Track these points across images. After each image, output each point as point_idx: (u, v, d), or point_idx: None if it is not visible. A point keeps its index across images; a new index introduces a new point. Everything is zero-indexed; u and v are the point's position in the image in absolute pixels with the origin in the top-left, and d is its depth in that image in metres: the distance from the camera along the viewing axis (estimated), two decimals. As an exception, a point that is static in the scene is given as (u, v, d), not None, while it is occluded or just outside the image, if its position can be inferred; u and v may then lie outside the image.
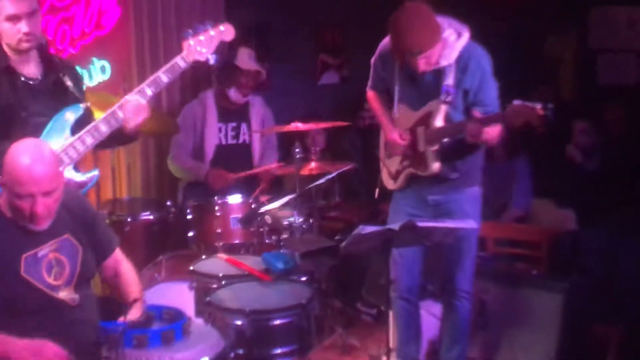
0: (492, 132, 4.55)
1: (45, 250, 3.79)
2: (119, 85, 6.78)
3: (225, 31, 4.78)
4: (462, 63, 4.66)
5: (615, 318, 5.58)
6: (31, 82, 4.51)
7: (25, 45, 4.43)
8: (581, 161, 7.09)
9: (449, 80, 4.66)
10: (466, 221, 4.58)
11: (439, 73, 4.69)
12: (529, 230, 6.43)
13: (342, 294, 6.46)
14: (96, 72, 6.50)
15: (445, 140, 4.74)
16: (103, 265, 4.14)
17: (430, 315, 5.56)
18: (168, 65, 4.67)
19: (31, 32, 4.41)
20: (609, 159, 6.99)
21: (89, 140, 4.45)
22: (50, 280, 3.78)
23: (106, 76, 6.61)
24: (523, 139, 7.21)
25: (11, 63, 4.48)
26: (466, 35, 4.68)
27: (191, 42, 4.67)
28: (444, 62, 4.64)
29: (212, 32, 4.73)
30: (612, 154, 7.02)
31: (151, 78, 4.66)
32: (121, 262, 4.24)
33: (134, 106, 4.49)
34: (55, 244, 3.83)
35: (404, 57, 4.69)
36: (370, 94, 5.24)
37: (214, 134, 6.74)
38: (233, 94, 6.70)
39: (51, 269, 3.80)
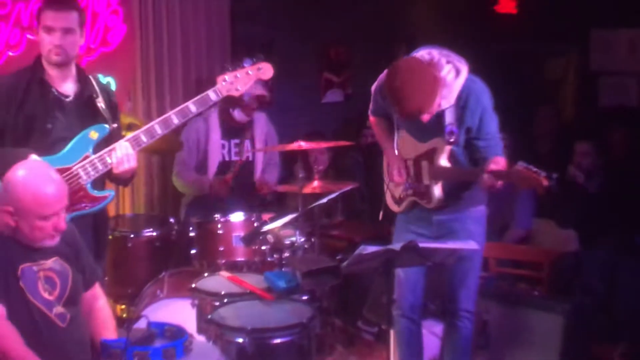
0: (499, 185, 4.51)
1: (38, 267, 3.83)
2: (124, 101, 6.82)
3: (263, 70, 4.84)
4: (462, 101, 4.64)
5: (615, 338, 5.60)
6: (63, 99, 4.60)
7: (54, 58, 4.53)
8: (583, 182, 7.08)
9: (450, 119, 4.65)
10: (467, 242, 4.55)
11: (441, 113, 4.66)
12: (531, 251, 6.44)
13: (343, 312, 6.47)
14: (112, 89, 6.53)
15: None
16: (82, 297, 4.10)
17: (432, 334, 5.56)
18: (199, 97, 4.70)
19: (62, 46, 4.51)
20: (611, 180, 6.99)
21: (101, 166, 4.53)
22: (46, 295, 3.81)
23: (111, 92, 6.64)
24: (525, 159, 7.23)
25: (46, 77, 4.57)
26: (464, 72, 4.61)
27: (227, 77, 4.72)
28: (444, 105, 4.60)
29: (250, 71, 4.78)
30: (614, 176, 7.02)
31: (164, 116, 4.70)
32: (99, 298, 4.22)
33: (119, 156, 4.52)
34: (47, 263, 3.87)
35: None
36: (372, 119, 5.26)
37: (217, 151, 6.76)
38: (237, 114, 6.73)
39: (44, 285, 3.82)
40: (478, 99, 4.66)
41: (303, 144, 5.89)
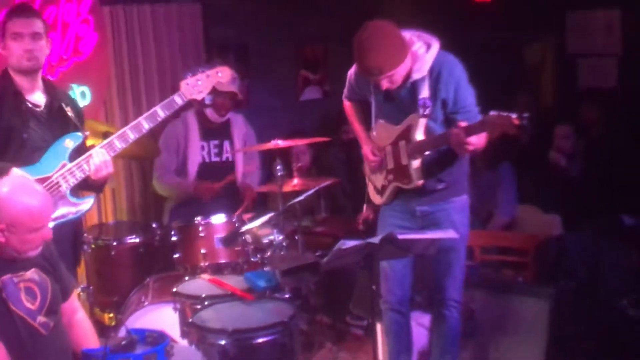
0: (478, 141, 4.47)
1: (18, 278, 3.82)
2: (100, 109, 6.82)
3: (222, 74, 4.94)
4: (435, 74, 4.63)
5: (600, 321, 5.61)
6: (35, 109, 4.64)
7: (26, 63, 4.58)
8: (565, 165, 7.09)
9: (425, 93, 4.64)
10: (446, 231, 4.55)
11: (414, 87, 4.67)
12: (515, 237, 6.46)
13: (331, 309, 6.46)
14: (76, 98, 6.50)
15: (428, 152, 4.72)
16: (61, 307, 4.09)
17: (420, 326, 5.56)
18: (165, 102, 4.80)
19: (32, 50, 4.57)
20: (590, 162, 7.01)
21: (79, 174, 4.55)
22: (28, 305, 3.80)
23: (86, 101, 6.63)
24: (505, 147, 7.24)
25: (18, 88, 4.60)
26: (436, 46, 4.65)
27: (188, 82, 4.83)
28: (416, 76, 4.61)
29: (209, 75, 4.88)
30: (593, 157, 7.04)
31: (135, 122, 4.75)
32: (77, 310, 4.22)
33: (97, 163, 4.55)
34: (27, 275, 3.86)
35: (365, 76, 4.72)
36: (346, 103, 5.27)
37: (197, 152, 6.76)
38: (210, 113, 6.75)
39: (25, 295, 3.82)
40: (451, 71, 4.65)
41: (280, 143, 5.88)
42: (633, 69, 8.18)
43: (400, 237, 4.26)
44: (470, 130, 4.37)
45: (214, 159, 6.83)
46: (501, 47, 8.77)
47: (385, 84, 4.60)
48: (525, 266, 6.03)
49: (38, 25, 4.61)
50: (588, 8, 8.59)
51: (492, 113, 4.23)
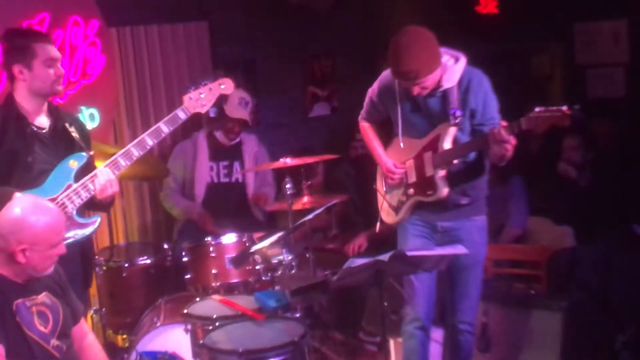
0: (514, 142, 4.43)
1: (31, 302, 3.84)
2: (109, 131, 6.84)
3: (225, 87, 4.94)
4: (464, 84, 4.66)
5: (614, 333, 5.58)
6: (40, 132, 4.63)
7: (58, 88, 4.64)
8: (575, 177, 7.07)
9: (454, 103, 4.66)
10: (457, 247, 4.53)
11: (444, 97, 4.69)
12: (527, 249, 6.43)
13: (344, 325, 6.45)
14: (85, 121, 6.53)
15: (455, 162, 4.71)
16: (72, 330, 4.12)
17: (433, 341, 5.53)
18: (169, 117, 4.78)
19: (62, 75, 4.63)
20: (600, 173, 6.98)
21: (85, 194, 4.55)
22: (42, 328, 3.83)
23: (95, 124, 6.65)
24: (515, 160, 7.22)
25: (22, 112, 4.59)
26: (463, 60, 4.70)
27: (191, 96, 4.83)
28: (446, 85, 4.63)
29: (212, 88, 4.88)
30: (602, 168, 7.01)
31: (139, 139, 4.74)
32: (87, 334, 4.25)
33: (102, 182, 4.56)
34: (38, 298, 3.89)
35: (400, 81, 4.72)
36: (364, 124, 5.25)
37: (205, 173, 6.79)
38: (220, 136, 6.77)
39: (38, 319, 3.85)
40: (480, 82, 4.69)
41: (288, 161, 5.88)
42: (641, 78, 8.19)
43: (409, 253, 4.26)
44: (516, 127, 4.34)
45: (223, 179, 6.84)
46: (509, 58, 8.76)
47: (417, 90, 4.60)
48: (537, 279, 6.00)
49: (58, 51, 4.67)
50: (595, 19, 8.57)
51: (538, 109, 4.22)
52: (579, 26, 8.76)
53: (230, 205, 6.73)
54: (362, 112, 5.23)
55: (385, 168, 5.05)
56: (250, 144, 6.97)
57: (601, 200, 6.73)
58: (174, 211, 6.86)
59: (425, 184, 4.83)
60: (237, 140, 6.90)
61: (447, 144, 4.70)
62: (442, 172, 4.75)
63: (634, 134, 7.40)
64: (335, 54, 8.60)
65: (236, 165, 6.87)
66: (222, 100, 6.30)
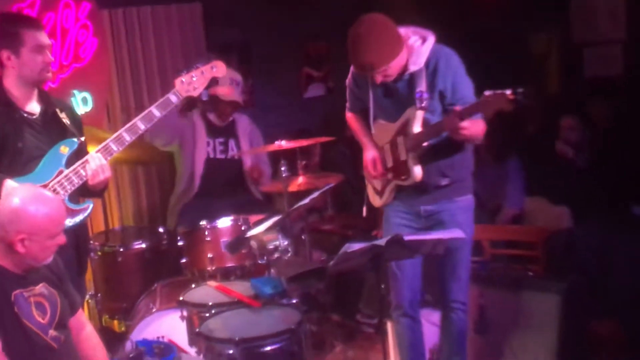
0: (474, 127, 4.41)
1: (29, 293, 3.83)
2: (102, 115, 6.79)
3: (217, 69, 4.90)
4: (432, 66, 4.61)
5: (612, 314, 5.58)
6: (30, 118, 4.59)
7: (47, 75, 4.59)
8: (572, 157, 7.05)
9: (422, 86, 4.60)
10: (454, 231, 4.51)
11: (411, 80, 4.65)
12: (524, 230, 6.42)
13: (341, 307, 6.44)
14: (78, 104, 6.49)
15: (425, 144, 4.66)
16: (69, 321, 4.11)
17: (430, 323, 5.52)
18: (160, 101, 4.75)
19: (50, 62, 4.58)
20: (598, 153, 6.96)
21: (76, 180, 4.53)
22: (39, 319, 3.81)
23: (88, 107, 6.61)
24: (512, 139, 7.21)
25: (11, 99, 4.55)
26: (431, 39, 4.64)
27: (183, 79, 4.79)
28: (413, 68, 4.59)
29: (204, 71, 4.85)
30: (600, 148, 6.99)
31: (130, 123, 4.71)
32: (84, 325, 4.23)
33: (94, 168, 4.54)
34: (36, 289, 3.88)
35: (360, 72, 4.70)
36: (349, 115, 5.24)
37: (203, 148, 6.75)
38: (212, 117, 6.75)
39: (36, 310, 3.83)
40: (447, 62, 4.62)
41: (284, 143, 5.85)
42: (638, 56, 8.12)
43: (406, 238, 4.23)
44: (464, 113, 4.31)
45: (219, 156, 6.81)
46: (506, 37, 8.70)
47: (378, 78, 4.58)
48: (534, 260, 5.99)
49: (48, 38, 4.62)
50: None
51: (487, 92, 4.16)
52: (575, 3, 8.70)
53: (227, 182, 6.69)
54: (347, 103, 5.22)
55: (364, 163, 5.03)
56: (243, 124, 6.95)
57: (598, 180, 6.71)
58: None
59: (400, 168, 4.81)
60: (230, 119, 6.86)
61: (416, 128, 4.66)
62: (415, 156, 4.71)
63: (632, 112, 7.36)
64: (330, 34, 8.55)
65: (231, 142, 6.84)
66: (213, 82, 6.29)
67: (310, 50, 8.70)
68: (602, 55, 8.55)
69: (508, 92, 4.06)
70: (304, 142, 6.10)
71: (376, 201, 5.13)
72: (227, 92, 6.60)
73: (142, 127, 4.68)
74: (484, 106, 4.20)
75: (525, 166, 7.01)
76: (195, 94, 4.85)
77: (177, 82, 4.79)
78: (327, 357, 6.07)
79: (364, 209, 5.22)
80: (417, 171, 4.72)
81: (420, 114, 4.64)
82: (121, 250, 5.99)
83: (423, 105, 4.58)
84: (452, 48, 4.72)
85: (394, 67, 4.56)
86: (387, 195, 4.99)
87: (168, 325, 5.11)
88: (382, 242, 4.20)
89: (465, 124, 4.31)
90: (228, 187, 6.72)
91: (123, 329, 6.02)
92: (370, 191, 5.18)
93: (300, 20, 8.35)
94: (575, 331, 5.40)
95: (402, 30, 4.64)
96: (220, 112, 6.73)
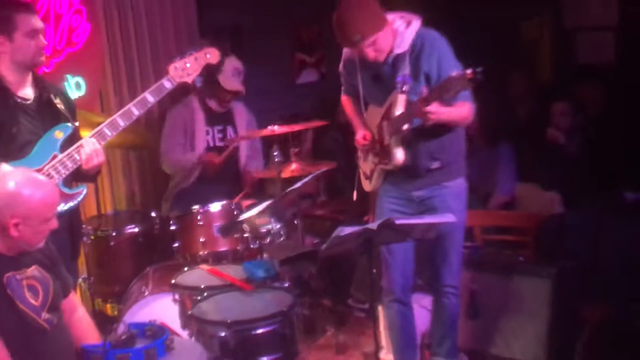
0: (446, 111, 4.40)
1: (21, 275, 3.83)
2: (95, 100, 6.79)
3: (211, 56, 4.94)
4: (417, 49, 4.62)
5: (602, 299, 5.60)
6: (24, 103, 4.61)
7: (41, 59, 4.63)
8: (563, 142, 7.06)
9: (405, 69, 4.62)
10: (445, 216, 4.53)
11: (395, 63, 4.66)
12: (515, 216, 6.44)
13: (333, 292, 6.46)
14: (71, 89, 6.48)
15: (405, 128, 4.62)
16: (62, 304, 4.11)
17: (421, 307, 5.55)
18: (154, 87, 4.79)
19: (44, 46, 4.61)
20: (589, 138, 6.98)
21: (70, 164, 4.55)
22: (32, 301, 3.82)
23: (81, 92, 6.60)
24: (503, 125, 7.22)
25: (5, 84, 4.56)
26: (416, 22, 4.66)
27: (177, 65, 4.83)
28: (397, 50, 4.61)
29: (197, 57, 4.88)
30: (592, 134, 7.01)
31: (125, 109, 4.75)
32: (76, 307, 4.24)
33: (88, 152, 4.56)
34: (28, 272, 3.88)
35: (352, 48, 4.71)
36: (344, 98, 5.26)
37: (202, 137, 6.75)
38: (213, 104, 6.74)
39: (28, 292, 3.83)
40: (432, 44, 4.63)
41: (276, 128, 5.86)
42: (630, 42, 8.14)
43: (398, 222, 4.25)
44: (429, 98, 4.31)
45: (218, 143, 6.81)
46: (498, 22, 8.72)
47: (371, 54, 4.59)
48: (525, 245, 6.01)
49: (41, 22, 4.65)
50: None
51: (453, 73, 4.14)
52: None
53: (224, 169, 6.68)
54: (342, 87, 5.24)
55: (356, 139, 5.06)
56: (240, 111, 6.94)
57: (589, 166, 6.74)
58: (177, 168, 6.80)
59: (384, 152, 4.83)
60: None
61: (398, 112, 4.66)
62: (396, 140, 4.72)
63: (623, 98, 7.37)
64: (322, 19, 8.53)
65: (229, 130, 6.83)
66: (215, 70, 6.31)
67: (303, 35, 8.72)
68: (594, 42, 8.56)
69: (468, 71, 4.07)
70: (296, 127, 6.11)
71: (366, 185, 5.16)
72: (232, 83, 6.61)
73: (136, 112, 4.72)
74: (446, 88, 4.17)
75: (517, 152, 7.02)
76: (189, 80, 4.89)
77: (171, 68, 4.82)
78: (318, 341, 6.09)
79: (354, 193, 5.24)
80: (399, 155, 4.73)
81: (402, 98, 4.63)
82: (114, 234, 5.98)
83: (404, 89, 4.56)
84: (444, 34, 4.73)
85: (381, 41, 4.58)
86: (376, 179, 5.02)
87: (160, 309, 5.11)
88: (373, 225, 4.22)
89: (431, 108, 4.31)
90: (224, 174, 6.71)
91: (115, 312, 6.03)
92: (361, 176, 5.19)
93: (292, 5, 8.35)
94: (566, 316, 5.42)
95: (389, 16, 4.67)
96: (221, 99, 6.72)
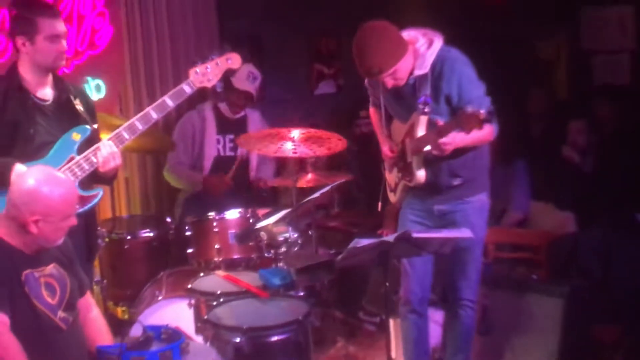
0: (454, 140, 4.41)
1: (39, 273, 3.85)
2: (115, 103, 6.82)
3: (232, 61, 4.93)
4: (437, 70, 4.61)
5: (614, 319, 5.60)
6: (42, 104, 4.62)
7: (61, 63, 4.64)
8: (578, 162, 7.07)
9: (426, 90, 4.61)
10: (462, 231, 4.53)
11: (417, 84, 4.65)
12: (529, 234, 6.44)
13: (344, 304, 6.45)
14: (91, 91, 6.51)
15: (427, 148, 4.62)
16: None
17: (433, 322, 5.55)
18: (174, 91, 4.79)
19: (65, 51, 4.62)
20: (604, 158, 6.98)
21: (87, 167, 4.55)
22: (49, 300, 3.83)
23: (101, 95, 6.65)
24: (519, 143, 7.23)
25: (24, 84, 4.58)
26: (438, 42, 4.64)
27: (197, 70, 4.82)
28: (418, 72, 4.60)
29: (219, 62, 4.87)
30: (606, 154, 7.01)
31: (143, 112, 4.75)
32: (92, 307, 4.26)
33: (105, 155, 4.56)
34: (47, 270, 3.90)
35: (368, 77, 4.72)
36: (371, 110, 5.25)
37: (213, 145, 6.77)
38: (224, 108, 6.76)
39: (45, 290, 3.85)
40: (452, 66, 4.61)
41: (296, 138, 5.84)
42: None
43: (415, 235, 4.25)
44: (442, 130, 4.34)
45: (229, 153, 6.82)
46: (515, 42, 8.73)
47: (389, 82, 4.59)
48: (538, 263, 6.02)
49: (64, 26, 4.63)
50: (602, 4, 8.54)
51: (467, 109, 4.15)
52: (585, 11, 8.71)
53: (235, 180, 6.70)
54: (370, 100, 5.24)
55: (382, 152, 5.07)
56: (255, 120, 6.96)
57: (604, 186, 6.73)
58: (178, 183, 6.84)
59: (407, 169, 4.84)
60: (242, 114, 6.88)
61: (420, 132, 4.65)
62: (418, 159, 4.73)
63: (638, 120, 7.38)
64: (341, 31, 8.59)
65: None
66: (230, 72, 6.31)
67: (322, 46, 8.73)
68: (610, 64, 8.58)
69: (482, 111, 4.08)
70: (317, 151, 6.05)
71: (391, 197, 5.17)
72: (243, 84, 6.62)
73: (155, 116, 4.72)
74: (460, 124, 4.19)
75: (531, 170, 7.03)
76: (209, 85, 4.88)
77: (192, 72, 4.81)
78: (328, 352, 6.08)
79: (379, 204, 5.25)
80: (420, 175, 4.75)
81: (424, 119, 4.62)
82: (128, 238, 5.99)
83: (426, 110, 4.56)
84: (464, 51, 4.72)
85: (401, 70, 4.57)
86: (399, 193, 5.03)
87: (173, 314, 5.11)
88: (390, 238, 4.22)
89: (446, 139, 4.34)
90: (237, 184, 6.72)
91: (126, 316, 6.03)
92: (388, 188, 5.21)
93: (312, 16, 8.38)
94: (577, 335, 5.44)
95: (412, 32, 4.67)
96: (231, 102, 6.73)
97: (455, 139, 4.37)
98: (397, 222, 5.16)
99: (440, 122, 4.39)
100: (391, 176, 5.11)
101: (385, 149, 5.03)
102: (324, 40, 8.72)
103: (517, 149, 7.12)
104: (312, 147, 5.84)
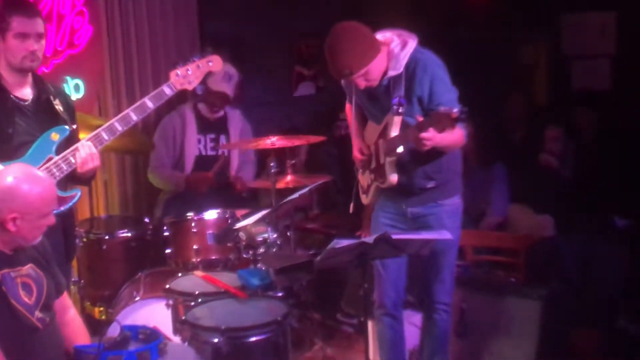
0: (441, 137, 4.35)
1: (16, 273, 3.83)
2: (94, 103, 6.80)
3: (213, 64, 4.93)
4: (410, 71, 4.60)
5: (592, 323, 5.63)
6: (22, 103, 4.59)
7: (29, 64, 4.54)
8: (557, 166, 7.09)
9: (400, 91, 4.60)
10: (442, 233, 4.53)
11: (390, 85, 4.64)
12: (507, 237, 6.44)
13: (322, 306, 6.46)
14: (70, 91, 6.48)
15: (400, 150, 4.63)
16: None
17: (411, 324, 5.56)
18: (154, 93, 4.78)
19: (36, 51, 4.53)
20: (582, 163, 7.01)
21: (66, 167, 4.53)
22: (26, 299, 3.81)
23: (80, 94, 6.61)
24: (498, 147, 7.25)
25: (3, 83, 4.54)
26: (412, 43, 4.63)
27: (178, 72, 4.82)
28: (391, 73, 4.59)
29: (200, 65, 4.87)
30: (585, 159, 7.04)
31: (123, 113, 4.73)
32: (69, 308, 4.23)
33: (83, 156, 4.55)
34: (24, 270, 3.87)
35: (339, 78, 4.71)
36: (347, 107, 5.24)
37: (194, 145, 6.76)
38: (202, 109, 6.75)
39: (22, 290, 3.82)
40: (425, 67, 4.60)
41: (276, 142, 5.84)
42: (626, 70, 8.18)
43: (394, 237, 4.26)
44: (421, 126, 4.31)
45: (210, 152, 6.81)
46: (495, 46, 8.75)
47: (362, 83, 4.58)
48: (516, 267, 6.02)
49: (41, 25, 4.57)
50: (582, 9, 8.57)
51: (440, 108, 4.17)
52: (566, 16, 8.75)
53: (215, 177, 6.68)
54: (347, 97, 5.22)
55: (353, 153, 5.08)
56: (235, 119, 6.95)
57: (582, 190, 6.77)
58: (161, 184, 6.82)
59: (380, 171, 4.83)
60: (222, 114, 6.87)
61: (394, 133, 4.64)
62: (390, 160, 4.73)
63: (616, 126, 7.42)
64: (322, 33, 8.54)
65: (222, 139, 6.82)
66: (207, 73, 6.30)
67: (302, 48, 8.74)
68: (590, 69, 8.61)
69: (454, 110, 4.08)
70: (296, 141, 6.10)
71: (364, 199, 5.16)
72: (219, 85, 6.61)
73: (135, 117, 4.71)
74: (434, 121, 4.19)
75: (510, 173, 7.05)
76: (189, 87, 4.87)
77: (172, 74, 4.81)
78: (306, 354, 6.08)
79: (351, 205, 5.23)
80: (392, 177, 4.74)
81: (397, 120, 4.61)
82: (106, 238, 5.96)
83: (400, 111, 4.55)
84: (441, 55, 4.71)
85: (373, 71, 4.56)
86: (372, 194, 5.02)
87: (151, 314, 5.12)
88: (369, 239, 4.22)
89: (427, 134, 4.29)
90: (217, 184, 6.71)
91: (103, 316, 6.00)
92: (360, 189, 5.20)
93: (292, 17, 8.37)
94: (555, 339, 5.47)
95: (387, 33, 4.68)
96: (209, 103, 6.73)
97: (435, 135, 4.33)
98: None
99: (420, 118, 4.37)
100: (364, 178, 5.11)
101: (355, 150, 5.04)
102: (304, 41, 8.72)
103: (497, 153, 7.15)
104: (291, 140, 5.95)
